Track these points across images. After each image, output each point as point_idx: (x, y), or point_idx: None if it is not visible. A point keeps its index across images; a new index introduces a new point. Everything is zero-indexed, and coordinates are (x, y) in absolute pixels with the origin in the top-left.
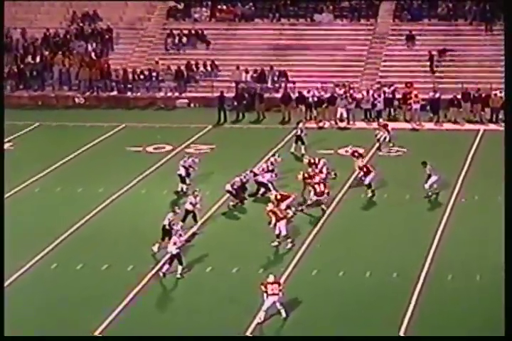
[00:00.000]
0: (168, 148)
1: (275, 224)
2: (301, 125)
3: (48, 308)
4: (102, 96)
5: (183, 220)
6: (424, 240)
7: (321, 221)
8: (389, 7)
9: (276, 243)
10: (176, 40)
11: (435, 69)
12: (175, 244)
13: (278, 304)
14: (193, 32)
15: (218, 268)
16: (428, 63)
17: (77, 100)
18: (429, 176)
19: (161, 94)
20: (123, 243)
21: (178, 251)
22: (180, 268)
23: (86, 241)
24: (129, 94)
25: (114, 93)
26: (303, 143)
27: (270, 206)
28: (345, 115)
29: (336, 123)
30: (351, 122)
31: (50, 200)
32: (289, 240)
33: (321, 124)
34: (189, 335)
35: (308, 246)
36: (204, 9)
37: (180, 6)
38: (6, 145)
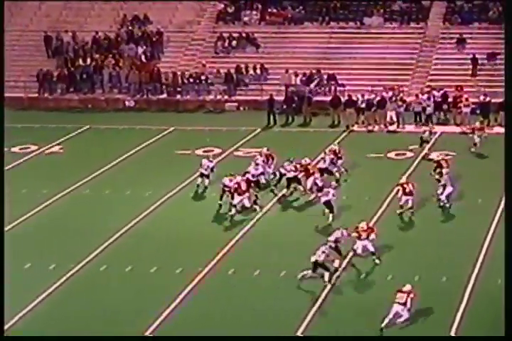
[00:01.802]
0: (217, 151)
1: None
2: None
3: (97, 309)
4: (152, 99)
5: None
6: (474, 243)
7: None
8: (439, 10)
9: (377, 260)
10: (226, 44)
11: (483, 72)
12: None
13: (402, 312)
14: (242, 35)
15: (265, 271)
16: (478, 67)
17: (127, 103)
18: (445, 186)
19: (211, 97)
20: (171, 246)
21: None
22: (327, 274)
23: (135, 243)
24: (178, 97)
25: (164, 96)
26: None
27: (363, 224)
28: (394, 118)
29: (386, 127)
30: (401, 126)
31: (99, 203)
32: (375, 256)
33: (370, 128)
34: (237, 335)
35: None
36: (254, 12)
37: (230, 9)
38: (56, 148)
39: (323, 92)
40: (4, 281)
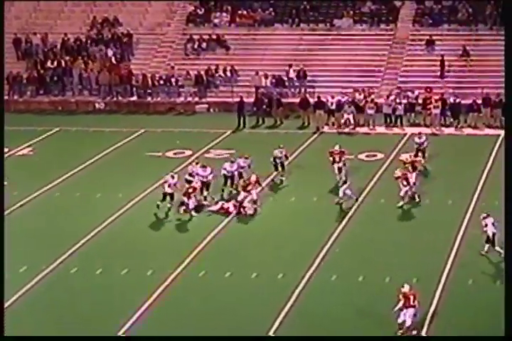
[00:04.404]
0: (188, 153)
1: (401, 309)
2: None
3: (68, 311)
4: (122, 101)
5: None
6: (444, 245)
7: (340, 226)
8: (409, 12)
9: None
10: (196, 45)
11: (453, 74)
12: None
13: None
14: (212, 37)
15: (237, 273)
16: (447, 68)
17: (97, 105)
18: (344, 183)
19: (181, 99)
20: (142, 248)
21: None
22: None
23: (105, 245)
24: (148, 99)
25: (134, 98)
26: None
27: (406, 288)
28: (351, 120)
29: (342, 129)
30: (371, 127)
31: (70, 205)
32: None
33: (340, 129)
34: (208, 336)
35: (327, 252)
36: (224, 14)
37: (200, 11)
38: (26, 150)
39: (292, 94)
40: None
